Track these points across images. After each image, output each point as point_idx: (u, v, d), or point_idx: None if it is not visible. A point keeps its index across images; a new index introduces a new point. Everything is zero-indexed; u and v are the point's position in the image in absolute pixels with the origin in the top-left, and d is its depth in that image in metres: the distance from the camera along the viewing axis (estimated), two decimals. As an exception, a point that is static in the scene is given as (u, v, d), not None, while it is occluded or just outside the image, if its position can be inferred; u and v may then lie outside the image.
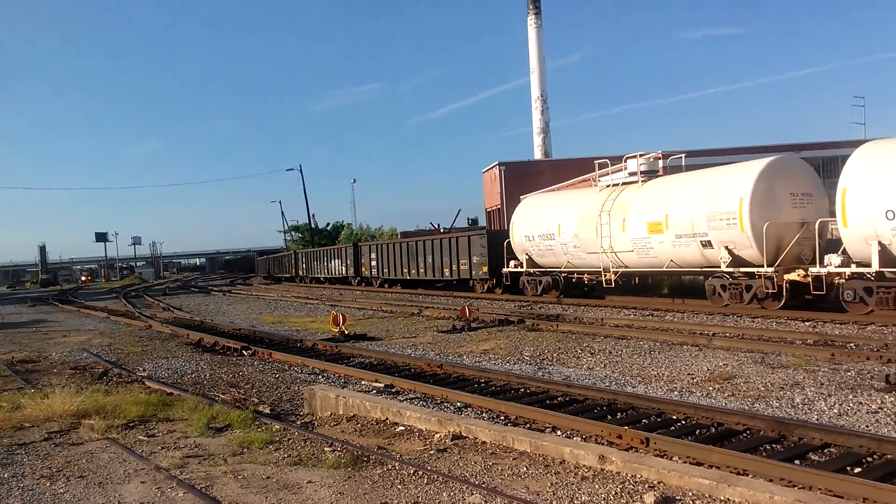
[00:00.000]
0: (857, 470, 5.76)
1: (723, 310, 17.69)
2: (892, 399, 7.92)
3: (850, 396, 8.20)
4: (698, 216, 18.28)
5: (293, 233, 77.51)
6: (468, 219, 74.32)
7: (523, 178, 58.54)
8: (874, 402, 7.87)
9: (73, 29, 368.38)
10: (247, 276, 78.52)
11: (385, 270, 36.73)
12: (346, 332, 16.61)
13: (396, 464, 6.16)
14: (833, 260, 15.50)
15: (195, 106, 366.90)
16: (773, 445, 6.60)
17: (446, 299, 27.13)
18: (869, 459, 5.98)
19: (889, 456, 5.98)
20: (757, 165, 17.43)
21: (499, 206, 60.77)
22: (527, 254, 25.09)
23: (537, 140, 72.88)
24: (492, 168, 63.23)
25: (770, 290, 16.74)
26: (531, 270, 25.07)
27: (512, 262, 26.02)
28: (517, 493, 5.19)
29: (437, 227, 60.91)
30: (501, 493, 5.20)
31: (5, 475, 6.57)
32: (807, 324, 14.80)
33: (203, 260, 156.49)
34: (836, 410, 7.69)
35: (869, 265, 14.72)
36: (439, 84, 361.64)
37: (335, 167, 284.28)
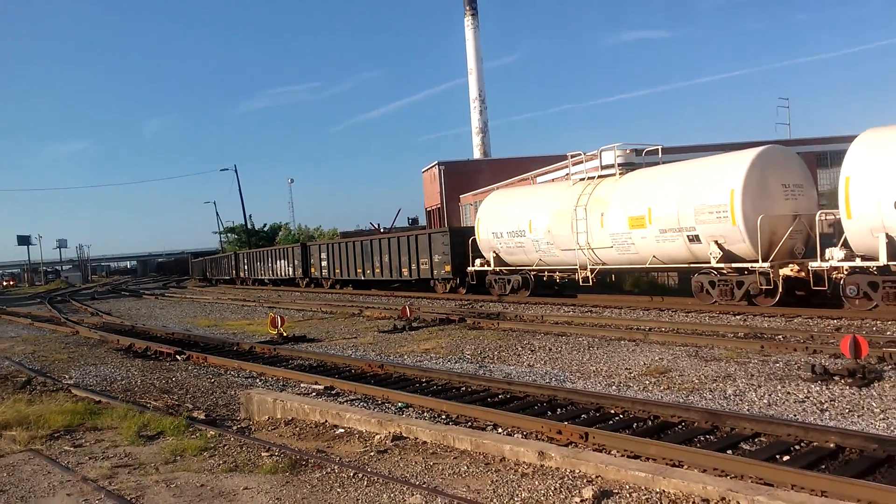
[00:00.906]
0: (787, 458, 5.95)
1: (657, 305, 18.09)
2: (818, 388, 8.23)
3: (779, 387, 8.49)
4: (685, 209, 17.31)
5: (229, 234, 75.84)
6: (408, 218, 74.28)
7: (463, 177, 58.84)
8: (801, 391, 8.16)
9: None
10: (180, 279, 76.43)
11: (337, 271, 35.35)
12: (285, 335, 16.30)
13: (336, 467, 6.05)
14: (835, 254, 14.69)
15: (122, 104, 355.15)
16: (707, 436, 6.77)
17: (393, 299, 26.96)
18: (797, 447, 6.19)
19: (815, 443, 6.20)
20: (748, 155, 16.65)
21: (438, 206, 60.88)
22: (494, 252, 23.78)
23: (476, 140, 73.29)
24: (431, 167, 63.30)
25: (764, 287, 16.04)
26: (499, 269, 23.84)
27: (478, 261, 24.84)
28: (458, 493, 5.17)
29: (377, 226, 60.68)
30: (442, 493, 5.16)
31: (-84, 493, 6.17)
32: (738, 317, 15.27)
33: (134, 263, 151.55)
34: (765, 401, 7.94)
35: (874, 258, 13.94)
36: (376, 84, 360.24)
37: (272, 168, 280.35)
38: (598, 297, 20.49)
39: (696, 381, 9.21)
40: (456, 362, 11.92)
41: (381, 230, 54.70)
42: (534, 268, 22.52)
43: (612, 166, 20.30)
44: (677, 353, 11.18)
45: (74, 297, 45.60)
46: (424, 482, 5.49)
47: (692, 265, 17.99)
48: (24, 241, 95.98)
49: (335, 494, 5.41)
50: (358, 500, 5.26)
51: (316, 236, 67.61)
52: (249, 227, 70.39)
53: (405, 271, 29.19)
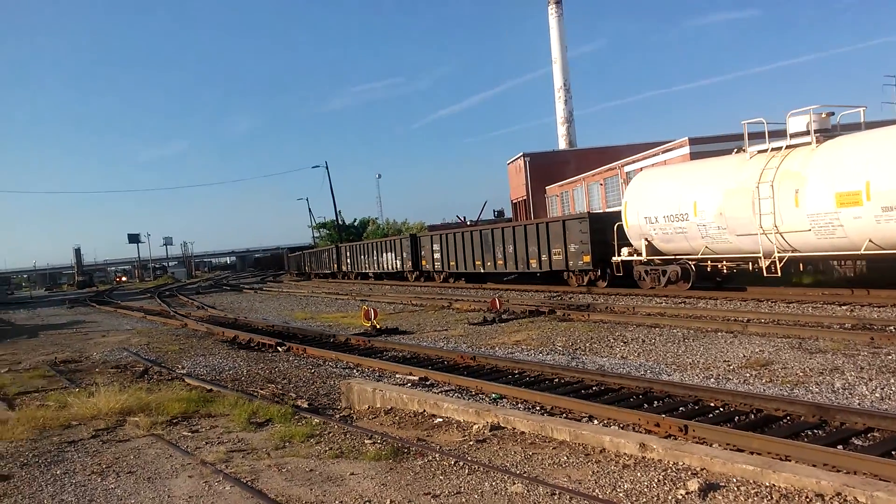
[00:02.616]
0: (903, 454, 5.69)
1: (757, 294, 17.37)
2: (936, 382, 7.80)
3: (892, 380, 8.09)
4: None
5: (321, 229, 78.13)
6: (494, 211, 74.47)
7: (548, 168, 58.40)
8: (917, 385, 7.76)
9: (96, 30, 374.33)
10: (276, 274, 79.31)
11: (451, 263, 32.86)
12: (378, 327, 16.75)
13: (437, 455, 6.23)
14: None
15: (216, 106, 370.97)
16: (815, 431, 6.55)
17: (481, 292, 27.13)
18: (914, 443, 5.91)
19: (935, 439, 5.90)
20: None
21: (524, 198, 60.62)
22: (646, 239, 20.87)
23: (561, 130, 72.52)
24: (516, 159, 63.09)
25: None
26: (651, 259, 21.07)
27: (625, 250, 22.01)
28: (559, 482, 5.23)
29: (463, 219, 61.00)
30: (543, 482, 5.24)
31: (58, 472, 6.77)
32: (843, 308, 14.57)
33: (233, 258, 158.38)
34: (878, 394, 7.60)
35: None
36: (459, 77, 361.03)
37: (358, 163, 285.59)
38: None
39: (801, 373, 8.89)
40: (547, 354, 11.94)
41: (468, 223, 54.90)
42: (698, 256, 19.53)
43: (804, 134, 16.91)
44: (779, 345, 10.80)
45: (181, 291, 48.18)
46: (525, 471, 5.59)
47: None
48: (133, 239, 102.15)
49: (437, 482, 5.59)
50: (460, 487, 5.41)
51: (403, 230, 68.66)
52: (340, 222, 72.25)
53: (533, 262, 26.79)
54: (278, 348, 15.06)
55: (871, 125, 16.72)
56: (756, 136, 18.74)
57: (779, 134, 18.00)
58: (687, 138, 35.43)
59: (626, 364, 10.55)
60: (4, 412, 9.77)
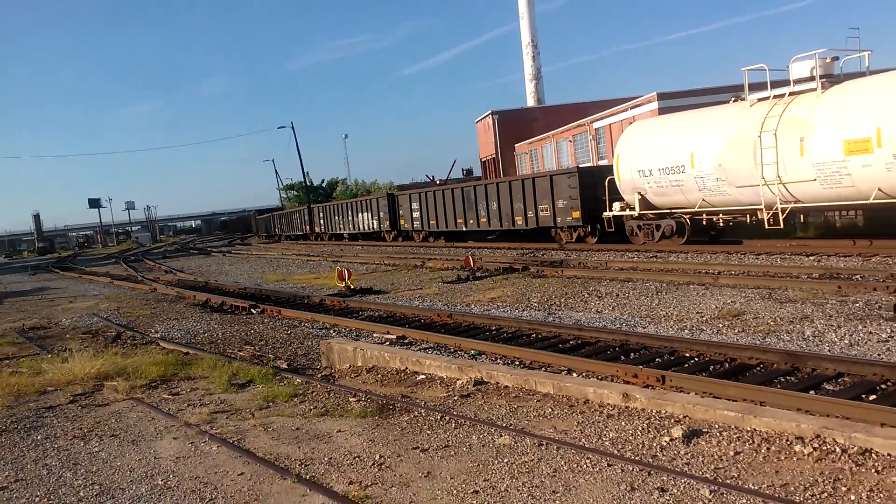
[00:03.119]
0: (873, 397, 5.90)
1: (726, 248, 17.68)
2: (902, 328, 8.07)
3: (860, 327, 8.35)
4: None
5: (288, 191, 77.25)
6: (462, 169, 74.05)
7: (517, 125, 58.26)
8: (884, 331, 8.02)
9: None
10: (244, 237, 78.44)
11: (432, 222, 32.31)
12: (352, 287, 16.72)
13: (423, 410, 6.30)
14: None
15: (180, 67, 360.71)
16: (787, 378, 6.74)
17: (454, 251, 27.16)
18: (883, 386, 6.12)
19: (902, 382, 6.12)
20: None
21: (493, 156, 60.49)
22: (639, 193, 20.27)
23: (529, 87, 72.15)
24: (485, 117, 62.74)
25: None
26: (644, 213, 20.53)
27: (617, 205, 21.45)
28: (545, 433, 5.33)
29: (432, 178, 60.73)
30: (530, 434, 5.34)
31: (38, 437, 6.70)
32: (811, 258, 14.92)
33: (199, 222, 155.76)
34: (846, 341, 7.84)
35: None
36: (426, 34, 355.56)
37: (326, 124, 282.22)
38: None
39: (772, 323, 9.12)
40: (523, 310, 12.05)
41: (437, 182, 54.67)
42: (694, 210, 18.98)
43: (808, 80, 16.15)
44: (750, 296, 11.05)
45: (146, 256, 47.42)
46: (511, 424, 5.68)
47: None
48: (94, 203, 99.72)
49: (425, 436, 5.65)
50: (448, 441, 5.48)
51: (372, 190, 68.19)
52: (308, 183, 71.43)
53: (518, 220, 26.30)
54: (252, 311, 14.97)
55: (848, 76, 16.62)
56: (754, 88, 17.97)
57: (767, 85, 17.59)
58: (655, 93, 35.52)
59: (601, 318, 10.70)
60: (-24, 380, 9.58)
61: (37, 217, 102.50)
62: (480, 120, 64.66)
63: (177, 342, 11.68)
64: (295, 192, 74.79)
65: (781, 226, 16.74)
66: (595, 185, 22.63)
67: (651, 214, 20.49)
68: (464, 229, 30.11)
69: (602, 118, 41.78)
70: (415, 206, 34.09)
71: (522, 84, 73.16)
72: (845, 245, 15.68)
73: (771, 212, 16.81)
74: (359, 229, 40.90)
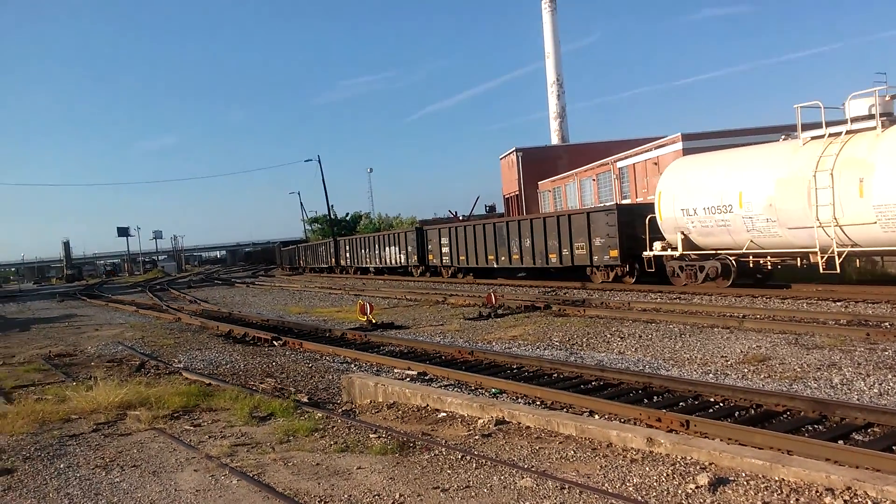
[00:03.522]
0: (904, 449, 5.75)
1: (751, 291, 17.48)
2: (933, 378, 7.89)
3: (890, 376, 8.18)
4: None
5: (313, 224, 78.02)
6: (486, 206, 74.41)
7: (541, 163, 58.55)
8: (915, 381, 7.84)
9: (85, 25, 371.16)
10: (268, 268, 79.08)
11: (461, 258, 31.47)
12: (374, 321, 16.74)
13: (443, 449, 6.25)
14: None
15: (209, 99, 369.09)
16: (816, 426, 6.61)
17: (476, 287, 27.13)
18: (915, 438, 5.98)
19: (935, 434, 5.97)
20: None
21: (517, 193, 60.70)
22: (682, 232, 19.44)
23: (554, 125, 72.58)
24: (509, 154, 63.15)
25: None
26: (687, 254, 19.67)
27: (658, 244, 20.56)
28: (568, 476, 5.27)
29: (455, 214, 61.03)
30: (552, 477, 5.27)
31: (61, 465, 6.75)
32: (838, 304, 14.69)
33: (224, 252, 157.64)
34: (875, 390, 7.68)
35: None
36: (452, 72, 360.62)
37: (350, 157, 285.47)
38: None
39: (799, 369, 8.97)
40: (545, 349, 11.98)
41: (461, 218, 54.89)
42: (741, 251, 18.13)
43: (867, 118, 15.70)
44: (775, 341, 10.89)
45: (172, 285, 47.97)
46: (532, 466, 5.62)
47: None
48: (123, 232, 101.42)
49: (445, 476, 5.61)
50: (469, 481, 5.43)
51: (394, 225, 68.60)
52: (332, 216, 72.16)
53: (552, 257, 25.41)
54: (274, 343, 15.04)
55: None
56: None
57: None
58: (680, 134, 35.59)
59: (623, 359, 10.60)
60: (2, 406, 9.72)
61: (66, 244, 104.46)
62: (504, 157, 65.08)
63: (199, 372, 11.76)
64: (319, 225, 75.49)
65: (838, 270, 15.83)
66: (633, 222, 21.84)
67: (694, 255, 19.58)
68: (494, 266, 29.27)
69: (626, 157, 41.86)
70: (444, 240, 33.23)
71: (547, 122, 73.72)
72: (873, 291, 15.42)
73: (826, 255, 15.95)
74: (385, 263, 40.08)
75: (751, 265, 18.37)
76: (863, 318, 12.41)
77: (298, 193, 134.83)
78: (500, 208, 68.95)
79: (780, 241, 17.25)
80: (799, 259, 17.21)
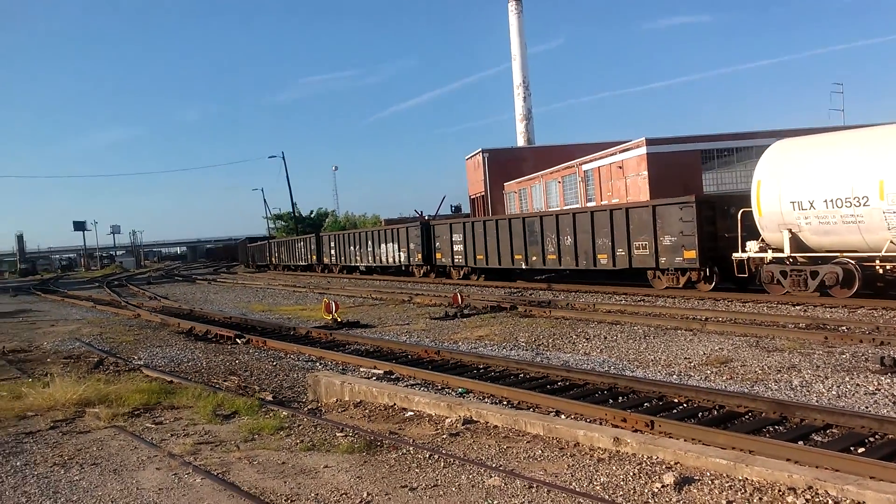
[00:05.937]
0: (861, 450, 5.91)
1: (713, 294, 17.76)
2: (889, 380, 8.12)
3: (847, 378, 8.39)
4: None
5: (277, 221, 77.21)
6: (451, 206, 74.52)
7: (507, 164, 58.75)
8: (871, 383, 8.06)
9: (44, 18, 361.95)
10: (230, 265, 77.98)
11: (479, 257, 27.33)
12: (339, 320, 16.62)
13: (411, 448, 6.23)
14: None
15: (169, 93, 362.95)
16: (777, 427, 6.75)
17: (441, 287, 27.09)
18: (871, 439, 6.14)
19: (890, 436, 6.14)
20: None
21: (482, 193, 60.86)
22: (789, 230, 15.94)
23: (520, 127, 72.91)
24: (475, 155, 63.26)
25: None
26: (794, 256, 16.21)
27: (753, 244, 17.04)
28: (535, 475, 5.29)
29: (420, 213, 61.00)
30: (520, 476, 5.29)
31: (18, 463, 6.56)
32: (798, 308, 15.03)
33: (184, 249, 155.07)
34: (834, 392, 7.87)
35: None
36: (418, 71, 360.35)
37: (315, 156, 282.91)
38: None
39: (760, 371, 9.15)
40: (511, 349, 12.03)
41: (425, 218, 54.82)
42: (874, 254, 14.79)
43: None
44: (737, 343, 11.10)
45: (130, 281, 47.00)
46: (500, 465, 5.63)
47: None
48: (79, 226, 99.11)
49: (413, 475, 5.59)
50: (437, 480, 5.42)
51: (360, 223, 68.28)
52: (296, 214, 71.49)
53: (602, 258, 21.50)
54: (237, 340, 14.83)
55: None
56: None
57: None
58: (644, 139, 36.04)
59: (589, 360, 10.70)
60: (-47, 402, 9.39)
61: (20, 238, 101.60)
62: (470, 157, 65.20)
63: (160, 370, 11.53)
64: (284, 222, 74.73)
65: None
66: (714, 218, 18.61)
67: (802, 258, 16.19)
68: (522, 267, 25.16)
69: (591, 160, 42.28)
70: (456, 237, 28.84)
71: (513, 124, 74.06)
72: (829, 297, 15.80)
73: None
74: (380, 262, 35.70)
75: (882, 271, 14.92)
76: (821, 321, 12.72)
77: (262, 190, 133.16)
78: (466, 208, 69.11)
79: None
80: None
